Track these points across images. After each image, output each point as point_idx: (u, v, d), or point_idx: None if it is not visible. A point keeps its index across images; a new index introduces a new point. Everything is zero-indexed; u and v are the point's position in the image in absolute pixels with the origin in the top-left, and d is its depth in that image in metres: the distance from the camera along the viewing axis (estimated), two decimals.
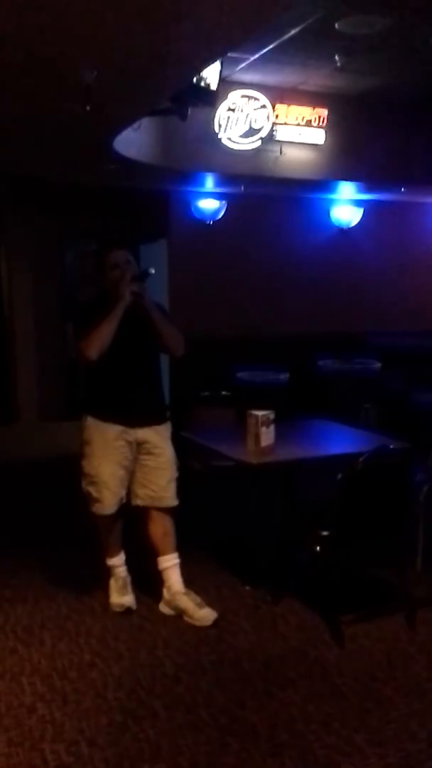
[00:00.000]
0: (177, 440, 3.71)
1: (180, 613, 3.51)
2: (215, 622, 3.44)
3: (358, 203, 7.90)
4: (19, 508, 5.53)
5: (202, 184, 6.97)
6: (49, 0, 2.70)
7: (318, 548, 3.35)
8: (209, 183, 6.93)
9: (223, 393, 5.52)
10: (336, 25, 4.78)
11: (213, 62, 4.50)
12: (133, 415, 3.48)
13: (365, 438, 4.23)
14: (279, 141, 6.31)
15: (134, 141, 5.43)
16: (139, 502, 3.56)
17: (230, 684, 2.98)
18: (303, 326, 7.64)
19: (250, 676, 3.04)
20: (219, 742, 2.58)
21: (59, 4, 2.74)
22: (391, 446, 3.62)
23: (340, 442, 4.26)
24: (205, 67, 4.43)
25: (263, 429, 3.67)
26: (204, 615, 3.46)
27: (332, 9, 4.54)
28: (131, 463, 3.52)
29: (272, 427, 3.71)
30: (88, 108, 3.78)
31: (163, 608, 3.58)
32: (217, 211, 7.40)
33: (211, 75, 5.02)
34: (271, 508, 4.05)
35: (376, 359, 7.37)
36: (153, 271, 3.58)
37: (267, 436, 3.69)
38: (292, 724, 2.69)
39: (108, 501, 3.49)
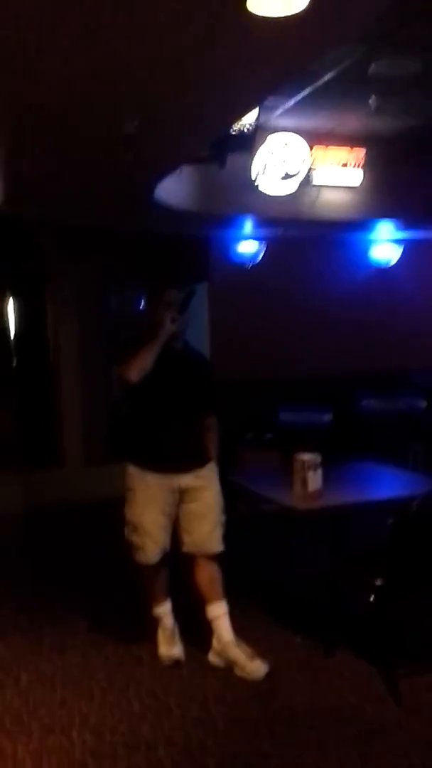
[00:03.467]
0: (223, 484, 3.66)
1: (230, 665, 3.43)
2: (267, 676, 3.34)
3: (397, 242, 7.88)
4: (64, 554, 5.52)
5: (240, 228, 7.05)
6: (96, 54, 2.80)
7: (371, 598, 3.24)
8: (248, 227, 7.00)
9: (267, 435, 5.48)
10: (370, 69, 4.83)
11: (251, 110, 4.59)
12: (173, 462, 3.46)
13: (415, 480, 4.14)
14: (316, 185, 6.36)
15: (175, 189, 5.54)
16: (185, 549, 3.52)
17: (285, 741, 2.89)
18: (345, 366, 7.57)
19: (304, 733, 2.94)
20: None
21: (106, 57, 2.83)
22: None
23: (389, 485, 4.17)
24: (244, 115, 4.51)
25: (310, 473, 3.61)
26: (255, 668, 3.37)
27: (366, 52, 4.59)
28: (173, 511, 3.49)
29: (319, 471, 3.65)
30: (130, 157, 3.87)
31: (213, 659, 3.51)
32: (256, 254, 7.45)
33: (248, 122, 5.11)
34: (319, 555, 3.96)
35: (421, 397, 7.24)
36: (194, 291, 3.60)
37: (314, 480, 3.62)
38: None
39: (150, 550, 3.46)
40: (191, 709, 3.13)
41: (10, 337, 7.79)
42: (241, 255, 7.47)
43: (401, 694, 3.15)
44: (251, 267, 7.43)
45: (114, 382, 6.72)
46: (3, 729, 3.01)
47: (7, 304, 7.78)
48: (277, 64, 2.93)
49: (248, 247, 7.44)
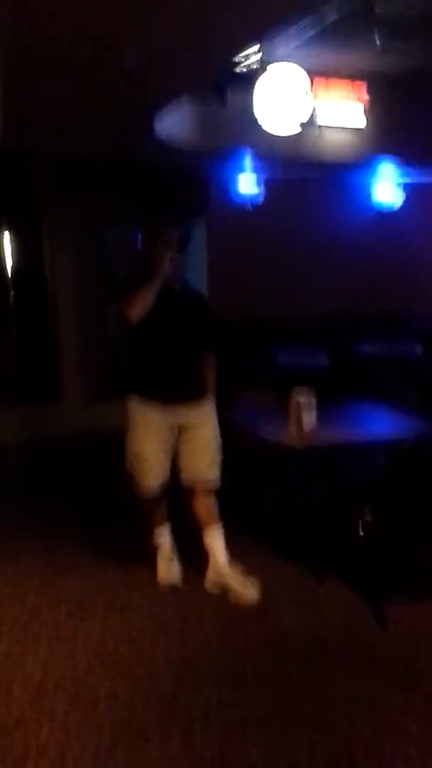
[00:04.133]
0: (219, 423, 3.79)
1: (225, 590, 3.63)
2: (259, 601, 3.55)
3: (400, 185, 7.82)
4: (65, 486, 5.70)
5: (241, 165, 6.98)
6: None
7: (362, 533, 3.42)
8: (248, 165, 6.94)
9: (264, 375, 5.59)
10: (376, 8, 4.75)
11: (254, 42, 4.53)
12: (173, 393, 3.58)
13: (408, 423, 4.27)
14: (319, 123, 6.29)
15: (175, 122, 5.49)
16: (185, 481, 3.68)
17: (275, 662, 3.10)
18: (343, 308, 7.63)
19: (294, 654, 3.15)
20: (266, 716, 2.71)
21: None
22: None
23: (383, 426, 4.30)
24: (246, 48, 4.45)
25: (305, 413, 3.73)
26: (248, 593, 3.58)
27: None
28: (172, 446, 3.63)
29: (314, 411, 3.78)
30: (128, 91, 3.83)
31: (209, 585, 3.71)
32: (257, 195, 7.39)
33: (250, 59, 5.03)
34: (313, 491, 4.13)
35: (418, 342, 7.33)
36: (191, 233, 3.64)
37: (309, 419, 3.75)
38: (337, 703, 2.79)
39: (152, 479, 3.62)
40: (188, 629, 3.34)
41: (7, 271, 7.78)
42: (241, 195, 7.42)
43: (387, 621, 3.35)
44: (251, 208, 7.40)
45: (112, 319, 6.81)
46: (13, 638, 3.24)
47: (2, 238, 7.73)
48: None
49: (248, 187, 7.38)
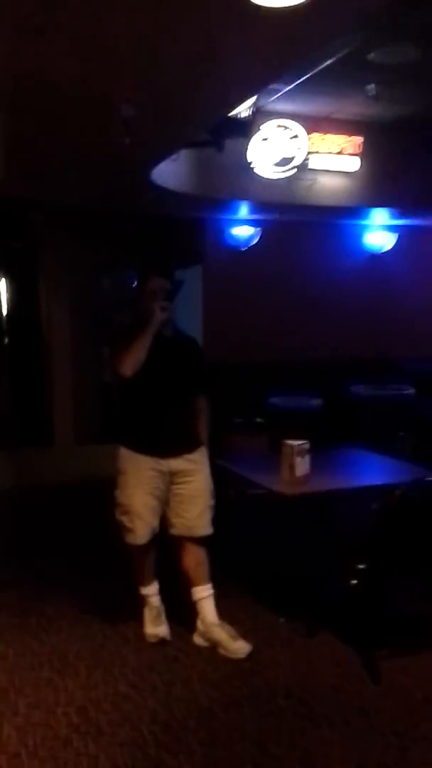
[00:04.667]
0: (211, 467, 3.70)
1: (214, 645, 3.49)
2: (249, 655, 3.41)
3: (391, 228, 7.90)
4: (53, 533, 5.57)
5: (236, 211, 7.05)
6: (96, 35, 2.80)
7: (354, 582, 3.31)
8: (243, 211, 7.01)
9: (257, 420, 5.52)
10: (369, 56, 4.82)
11: (250, 98, 4.58)
12: (164, 446, 3.50)
13: (401, 468, 4.20)
14: (313, 169, 6.36)
15: (171, 171, 5.53)
16: (174, 531, 3.57)
17: (265, 720, 2.95)
18: (336, 352, 7.62)
19: (285, 711, 3.01)
20: None
21: (107, 39, 2.83)
22: (429, 478, 3.58)
23: (376, 472, 4.23)
24: (243, 102, 4.50)
25: (298, 459, 3.67)
26: (238, 647, 3.44)
27: (366, 39, 4.58)
28: (164, 494, 3.54)
29: (307, 457, 3.71)
30: (127, 141, 3.87)
31: (197, 640, 3.57)
32: (251, 237, 7.47)
33: (245, 106, 5.10)
34: (306, 539, 4.02)
35: (410, 385, 7.30)
36: (183, 282, 3.63)
37: (302, 466, 3.68)
38: (329, 763, 2.66)
39: (140, 531, 3.50)
40: (175, 687, 3.19)
41: (1, 315, 7.79)
42: (235, 238, 7.48)
43: (380, 675, 3.22)
44: (246, 249, 7.44)
45: (105, 363, 6.77)
46: None
47: None
48: (279, 54, 2.94)
49: (243, 231, 7.44)
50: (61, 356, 7.51)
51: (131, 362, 3.36)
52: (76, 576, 4.53)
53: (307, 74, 5.15)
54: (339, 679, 3.25)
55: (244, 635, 3.51)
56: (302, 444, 3.67)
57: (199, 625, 3.56)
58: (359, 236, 7.95)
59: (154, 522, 3.53)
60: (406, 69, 5.05)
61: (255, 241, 7.49)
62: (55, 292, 7.49)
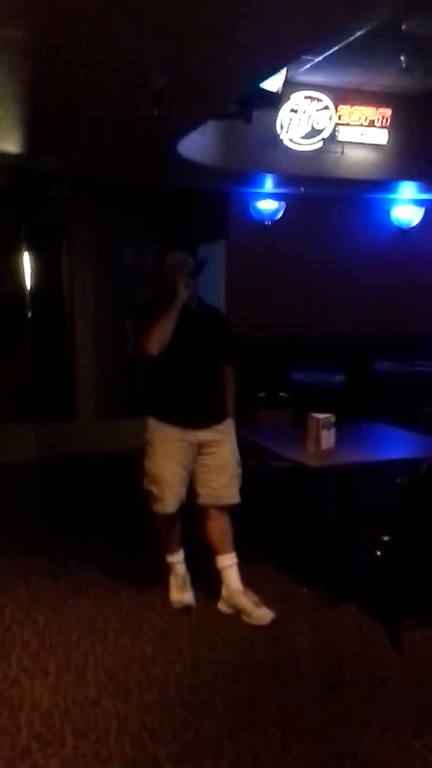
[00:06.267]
0: (237, 440, 3.74)
1: (238, 612, 3.55)
2: (273, 623, 3.47)
3: (419, 202, 7.81)
4: (78, 503, 5.66)
5: (262, 185, 7.00)
6: (126, 7, 2.78)
7: (378, 553, 3.34)
8: (269, 184, 6.95)
9: (281, 394, 5.53)
10: (402, 26, 4.74)
11: (281, 69, 4.52)
12: (192, 417, 3.54)
13: (425, 443, 4.21)
14: (341, 141, 6.30)
15: (198, 143, 5.50)
16: (201, 501, 3.62)
17: (289, 685, 3.01)
18: (361, 327, 7.59)
19: (308, 677, 3.07)
20: (279, 744, 2.62)
21: (137, 9, 2.81)
22: None
23: (400, 446, 4.24)
24: (273, 74, 4.45)
25: (324, 432, 3.68)
26: (262, 614, 3.50)
27: (398, 10, 4.51)
28: (191, 464, 3.58)
29: (333, 430, 3.72)
30: (155, 112, 3.86)
31: (222, 607, 3.63)
32: (276, 211, 7.42)
33: (275, 77, 5.04)
34: (329, 511, 4.05)
35: None
36: (207, 260, 3.64)
37: (327, 439, 3.69)
38: (351, 728, 2.71)
39: (169, 500, 3.55)
40: (200, 652, 3.26)
41: (25, 288, 7.82)
42: (260, 212, 7.43)
43: (402, 644, 3.26)
44: (270, 223, 7.39)
45: (128, 337, 6.80)
46: (21, 666, 3.15)
47: (23, 255, 7.78)
48: (311, 22, 2.90)
49: (268, 205, 7.40)
50: (83, 330, 7.53)
51: (157, 342, 3.39)
52: (102, 544, 4.61)
53: (337, 45, 5.08)
54: (362, 648, 3.30)
55: (268, 603, 3.57)
56: (328, 417, 3.68)
57: (224, 592, 3.62)
58: (386, 210, 7.86)
59: (182, 491, 3.58)
60: None
61: (279, 215, 7.44)
62: (79, 265, 7.48)
